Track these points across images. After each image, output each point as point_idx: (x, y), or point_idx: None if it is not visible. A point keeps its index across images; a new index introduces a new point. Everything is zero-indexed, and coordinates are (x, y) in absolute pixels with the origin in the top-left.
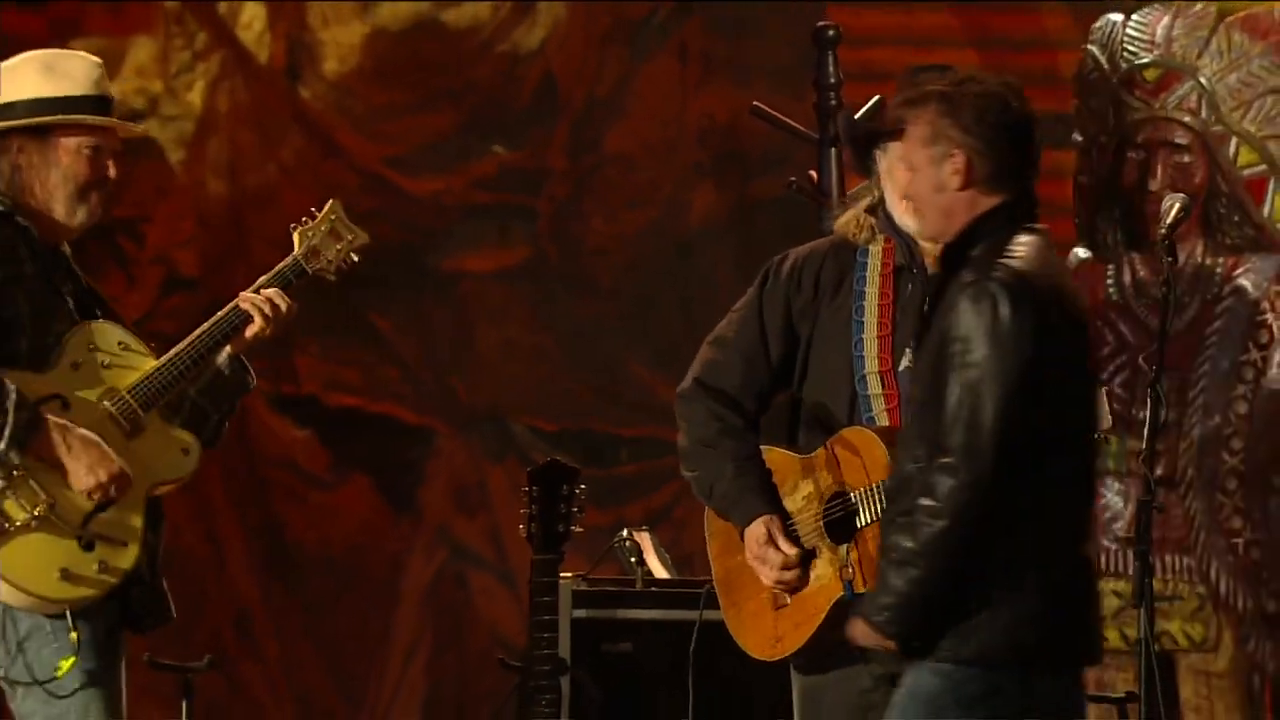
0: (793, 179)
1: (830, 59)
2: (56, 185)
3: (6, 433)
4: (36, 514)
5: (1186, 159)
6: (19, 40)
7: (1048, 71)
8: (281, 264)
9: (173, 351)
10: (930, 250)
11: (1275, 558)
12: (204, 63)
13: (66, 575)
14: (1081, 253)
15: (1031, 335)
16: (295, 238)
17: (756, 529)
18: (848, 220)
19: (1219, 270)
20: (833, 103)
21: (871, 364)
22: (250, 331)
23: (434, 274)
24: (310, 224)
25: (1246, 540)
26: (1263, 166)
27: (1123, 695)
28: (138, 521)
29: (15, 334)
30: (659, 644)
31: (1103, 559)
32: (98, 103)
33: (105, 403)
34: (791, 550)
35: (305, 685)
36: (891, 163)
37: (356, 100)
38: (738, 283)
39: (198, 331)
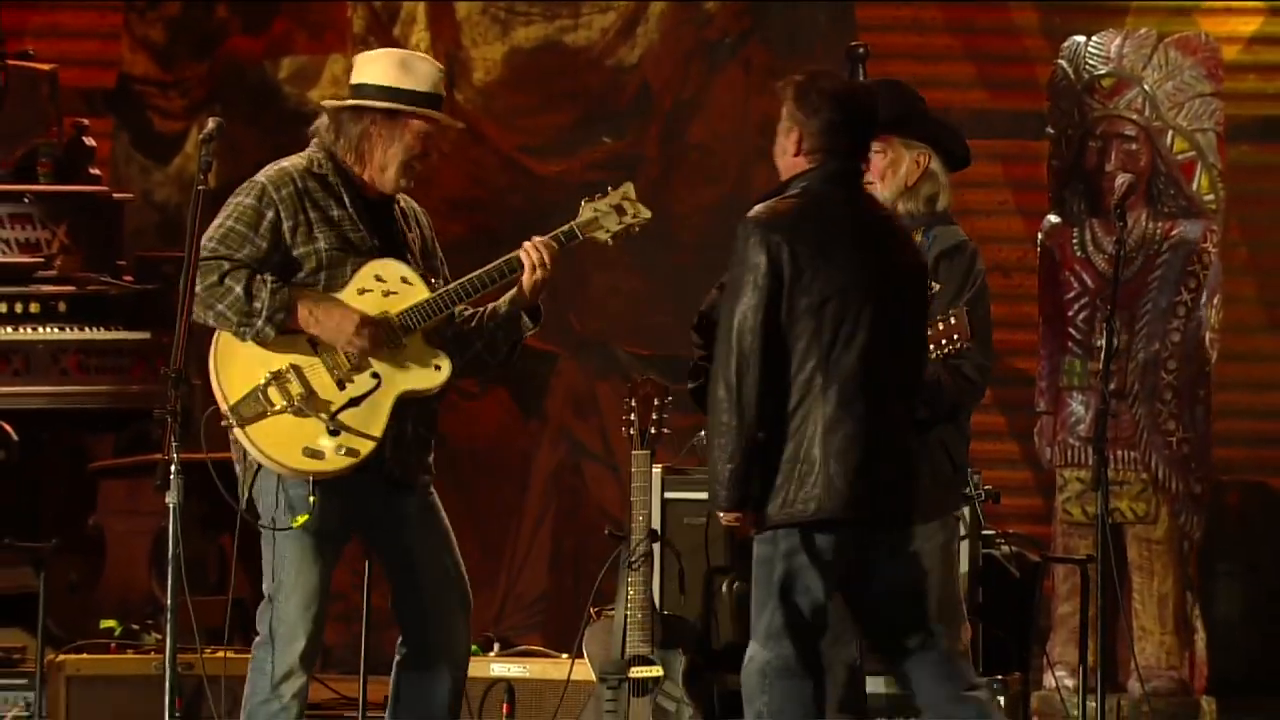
0: None
1: (860, 70)
2: (395, 155)
3: (264, 313)
4: (294, 402)
5: (1134, 147)
6: (243, 57)
7: (1027, 80)
8: (561, 227)
9: (443, 289)
10: None
11: (1200, 451)
12: None
13: (309, 452)
14: (1053, 218)
15: (761, 250)
16: (581, 206)
17: None
18: None
19: (1159, 232)
20: None
21: None
22: (525, 277)
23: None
24: (600, 199)
25: (1179, 438)
26: (1192, 153)
27: (1084, 557)
28: (382, 417)
29: (311, 262)
30: None
31: (1070, 453)
32: (435, 100)
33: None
34: None
35: (459, 548)
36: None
37: (497, 102)
38: None
39: (471, 275)
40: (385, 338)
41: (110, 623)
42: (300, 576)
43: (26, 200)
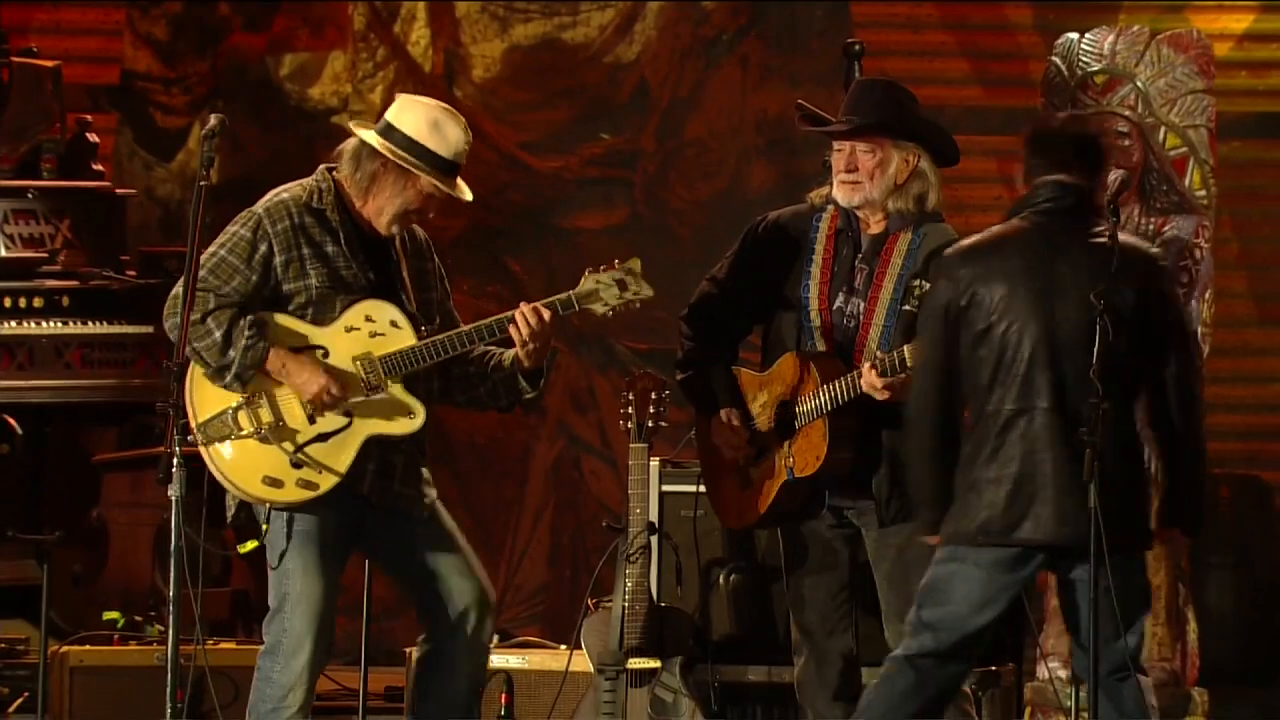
0: (826, 158)
1: (857, 67)
2: (395, 204)
3: (234, 368)
4: (261, 429)
5: (1127, 143)
6: (244, 54)
7: (1021, 76)
8: (559, 295)
9: (431, 339)
10: (866, 218)
11: None
12: (383, 71)
13: (268, 480)
14: None
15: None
16: (584, 276)
17: (720, 415)
18: (817, 193)
19: (1151, 227)
20: None
21: (814, 303)
22: (518, 348)
23: (555, 229)
24: (604, 271)
25: None
26: (1184, 149)
27: None
28: (348, 455)
29: (301, 297)
30: None
31: None
32: (452, 168)
33: (358, 363)
34: (741, 430)
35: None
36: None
37: (497, 99)
38: None
39: (461, 328)
40: (347, 399)
41: (113, 614)
42: (306, 589)
43: (30, 196)
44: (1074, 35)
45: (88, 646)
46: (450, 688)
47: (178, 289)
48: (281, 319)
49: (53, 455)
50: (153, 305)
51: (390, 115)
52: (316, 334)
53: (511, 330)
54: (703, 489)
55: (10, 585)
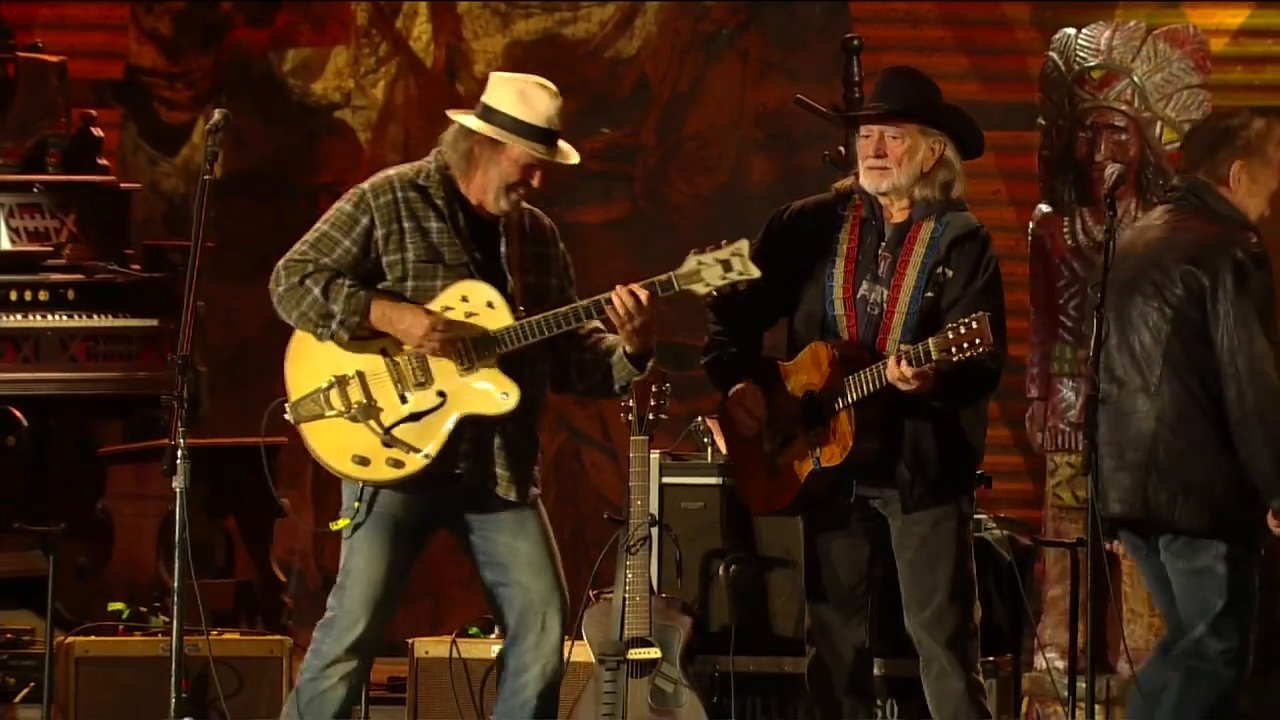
0: (826, 152)
1: (855, 62)
2: (492, 179)
3: (338, 315)
4: (351, 409)
5: (1123, 138)
6: (247, 49)
7: (1019, 71)
8: (660, 275)
9: (525, 320)
10: (889, 205)
11: None
12: (385, 66)
13: (358, 459)
14: (1044, 208)
15: None
16: (688, 257)
17: (737, 393)
18: (842, 183)
19: None
20: (857, 95)
21: (838, 292)
22: (620, 331)
23: (557, 224)
24: (708, 252)
25: None
26: (1180, 143)
27: (1075, 541)
28: (439, 435)
29: (398, 270)
30: (722, 503)
31: (1060, 439)
32: (546, 135)
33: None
34: (758, 399)
35: None
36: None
37: None
38: None
39: (559, 310)
40: (459, 349)
41: (118, 605)
42: (369, 567)
43: (36, 190)
44: (1071, 30)
45: (93, 637)
46: (518, 689)
47: (283, 262)
48: (381, 290)
49: (58, 448)
50: (157, 298)
51: (484, 96)
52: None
53: (609, 312)
54: (711, 480)
55: (16, 576)
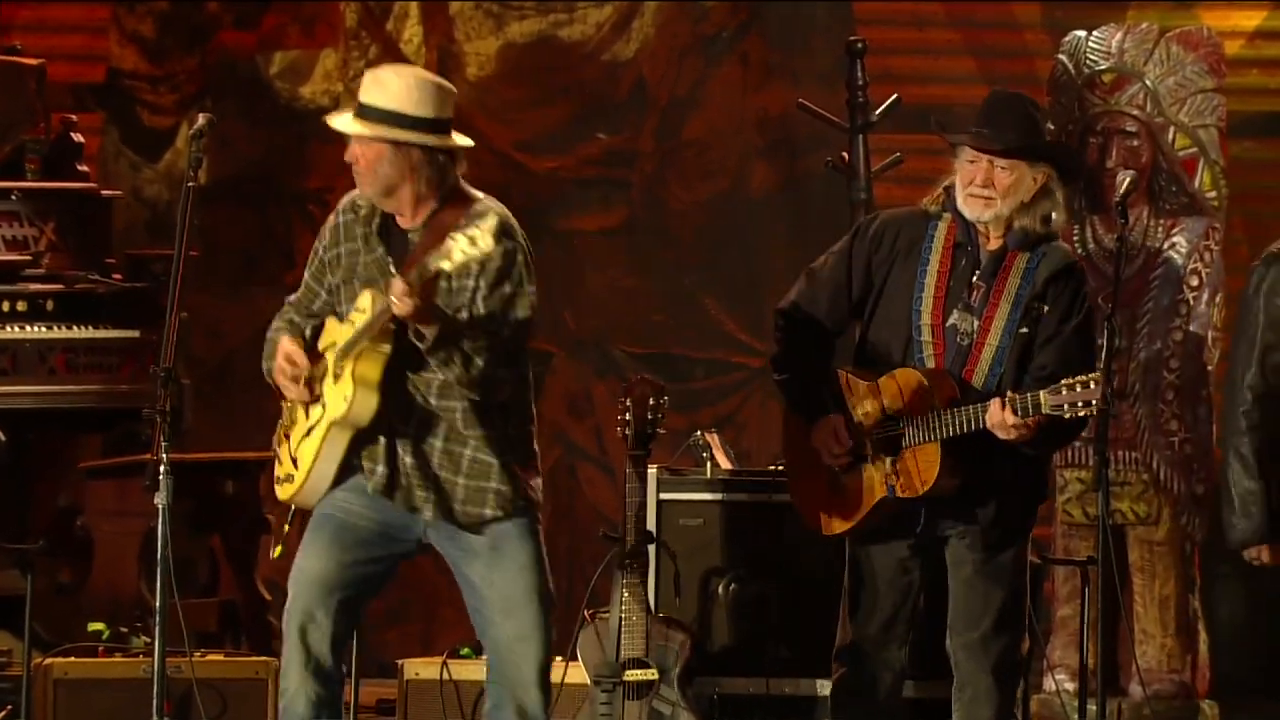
0: (829, 159)
1: (859, 66)
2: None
3: (264, 363)
4: (281, 430)
5: (1135, 143)
6: (233, 52)
7: (1028, 75)
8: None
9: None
10: (986, 232)
11: (1202, 452)
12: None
13: (278, 478)
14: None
15: None
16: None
17: (825, 422)
18: (931, 199)
19: (1160, 229)
20: (861, 100)
21: (926, 317)
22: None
23: (552, 231)
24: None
25: (1180, 439)
26: (1194, 149)
27: (1085, 559)
28: (314, 448)
29: (338, 292)
30: (722, 519)
31: (1070, 454)
32: (368, 110)
33: (328, 353)
34: (846, 439)
35: None
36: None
37: (492, 97)
38: (788, 238)
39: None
40: (302, 382)
41: (98, 625)
42: (303, 563)
43: (14, 197)
44: (1081, 33)
45: (72, 658)
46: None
47: None
48: (328, 318)
49: (36, 462)
50: (139, 309)
51: None
52: (335, 328)
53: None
54: (710, 496)
55: None
